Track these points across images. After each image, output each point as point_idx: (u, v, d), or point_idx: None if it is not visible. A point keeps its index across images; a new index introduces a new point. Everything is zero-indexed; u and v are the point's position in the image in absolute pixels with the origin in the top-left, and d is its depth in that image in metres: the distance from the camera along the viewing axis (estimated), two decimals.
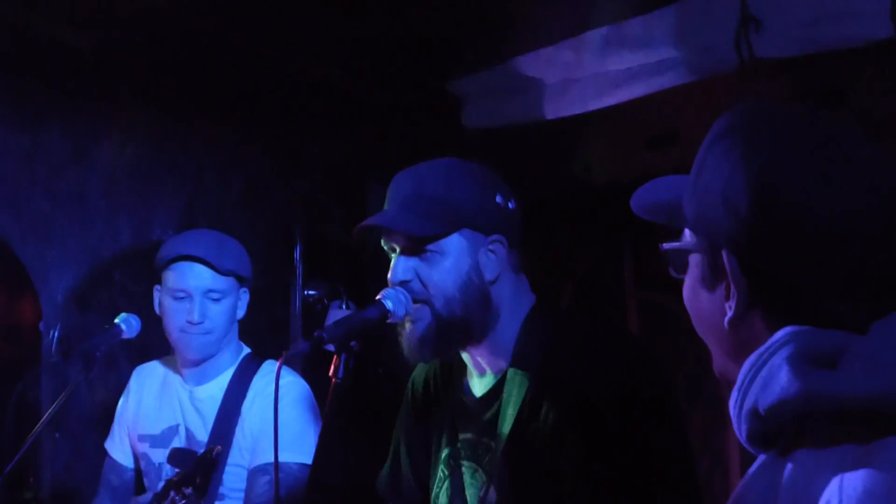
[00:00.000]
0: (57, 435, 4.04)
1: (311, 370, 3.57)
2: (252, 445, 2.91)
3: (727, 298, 1.28)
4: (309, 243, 4.49)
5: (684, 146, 3.74)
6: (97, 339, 2.95)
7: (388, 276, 2.14)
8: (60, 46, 3.70)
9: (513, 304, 2.16)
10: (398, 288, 2.10)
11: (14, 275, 4.21)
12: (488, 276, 2.12)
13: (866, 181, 1.20)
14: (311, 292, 4.43)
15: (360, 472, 2.75)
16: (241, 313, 3.06)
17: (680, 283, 1.42)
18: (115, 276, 4.23)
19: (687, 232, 1.38)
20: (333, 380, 1.98)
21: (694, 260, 1.36)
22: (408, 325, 2.12)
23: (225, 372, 3.03)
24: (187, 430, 2.99)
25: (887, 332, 1.14)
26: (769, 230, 1.21)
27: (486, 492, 2.09)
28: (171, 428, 3.03)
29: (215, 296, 2.95)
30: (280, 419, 2.79)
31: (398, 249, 2.15)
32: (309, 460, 2.83)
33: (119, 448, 3.14)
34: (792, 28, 3.18)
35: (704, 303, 1.34)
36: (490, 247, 2.13)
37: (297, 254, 4.51)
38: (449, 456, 2.23)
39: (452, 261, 2.10)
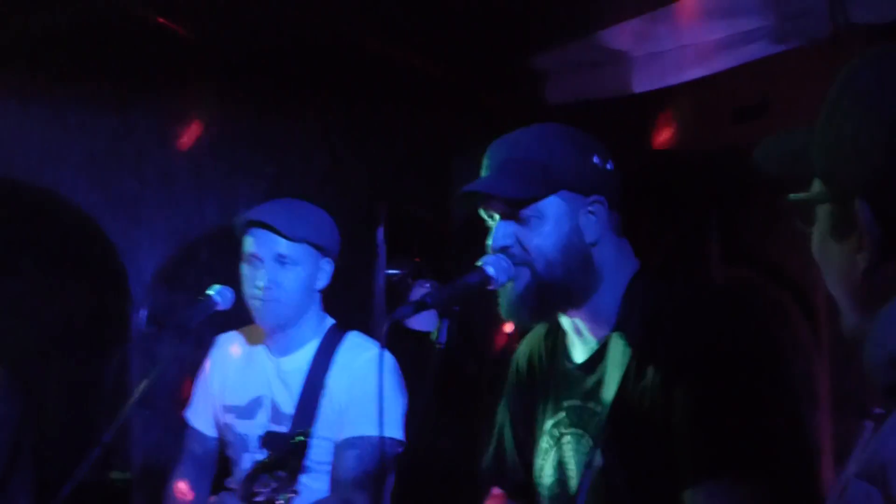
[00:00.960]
0: (146, 412, 4.09)
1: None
2: (338, 418, 2.89)
3: (860, 249, 1.25)
4: (392, 222, 4.48)
5: (774, 118, 3.66)
6: (191, 311, 2.95)
7: (488, 242, 2.11)
8: (149, 29, 3.73)
9: (616, 267, 2.12)
10: (499, 255, 2.08)
11: (102, 254, 4.27)
12: (589, 238, 2.08)
13: None
14: (393, 271, 4.42)
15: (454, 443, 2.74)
16: (321, 284, 3.01)
17: (768, 259, 1.39)
18: (202, 255, 4.28)
19: (816, 182, 1.34)
20: (437, 345, 1.97)
21: (822, 211, 1.33)
22: (507, 288, 2.09)
23: (310, 343, 3.00)
24: (273, 402, 2.98)
25: None
26: None
27: (593, 457, 2.06)
28: (256, 399, 3.02)
29: (285, 261, 2.92)
30: (368, 392, 2.81)
31: (497, 216, 2.12)
32: (397, 434, 2.82)
33: (201, 418, 3.14)
34: None
35: (835, 255, 1.31)
36: (590, 208, 2.09)
37: (380, 233, 4.50)
38: (554, 425, 2.20)
39: (552, 224, 2.07)
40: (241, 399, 3.04)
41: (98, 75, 4.02)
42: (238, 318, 3.14)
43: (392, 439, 2.81)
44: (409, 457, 2.09)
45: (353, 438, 2.83)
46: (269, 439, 2.88)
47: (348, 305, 3.40)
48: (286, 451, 2.64)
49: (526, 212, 2.06)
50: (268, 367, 3.03)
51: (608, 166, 2.13)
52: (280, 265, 2.91)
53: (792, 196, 1.38)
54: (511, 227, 2.08)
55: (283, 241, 2.91)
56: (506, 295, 2.10)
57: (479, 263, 2.08)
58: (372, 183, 4.56)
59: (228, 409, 3.05)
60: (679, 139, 3.95)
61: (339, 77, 4.24)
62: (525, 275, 2.07)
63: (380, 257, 4.49)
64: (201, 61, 4.07)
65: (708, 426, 1.89)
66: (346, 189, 4.49)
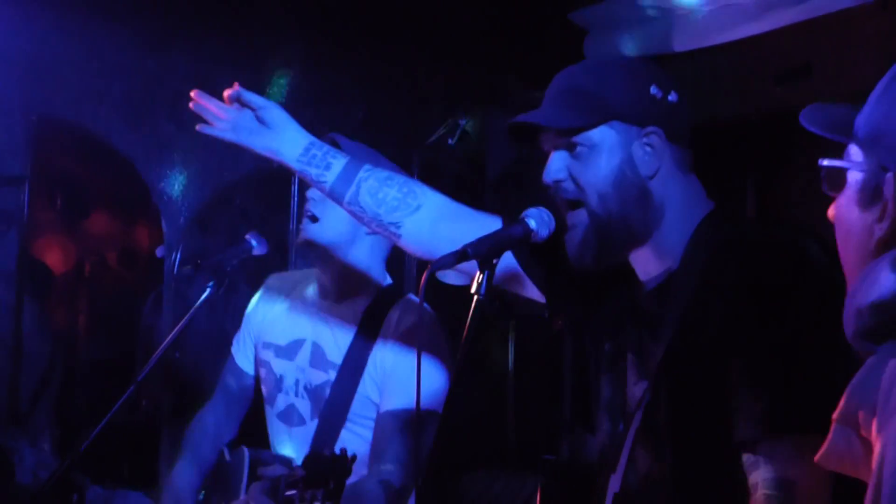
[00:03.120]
0: (177, 354, 4.12)
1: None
2: (382, 382, 2.86)
3: (880, 220, 1.32)
4: (425, 172, 4.47)
5: (818, 81, 3.63)
6: (228, 253, 2.95)
7: (543, 176, 2.07)
8: None
9: (682, 203, 2.05)
10: (542, 208, 2.06)
11: (135, 198, 4.29)
12: (644, 171, 2.02)
13: None
14: None
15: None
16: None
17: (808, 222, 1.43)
18: (236, 199, 4.28)
19: (851, 151, 1.39)
20: (476, 296, 1.95)
21: (853, 178, 1.38)
22: (568, 233, 2.06)
23: (362, 296, 2.96)
24: (316, 345, 2.94)
25: None
26: None
27: (638, 383, 2.06)
28: (298, 341, 2.98)
29: None
30: (413, 362, 2.73)
31: (551, 153, 2.08)
32: (439, 409, 2.77)
33: (243, 352, 3.12)
34: None
35: (856, 221, 1.37)
36: (645, 139, 2.02)
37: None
38: (612, 349, 2.17)
39: (603, 155, 2.02)
40: (282, 338, 3.00)
41: (136, 16, 4.02)
42: (272, 266, 3.15)
43: (432, 412, 2.76)
44: (447, 413, 2.07)
45: (396, 411, 2.80)
46: (312, 458, 2.82)
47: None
48: (325, 469, 2.59)
49: (577, 141, 2.02)
50: (315, 311, 2.99)
51: (670, 97, 2.04)
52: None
53: (824, 161, 1.42)
54: (565, 159, 2.04)
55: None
56: (568, 244, 2.08)
57: (521, 216, 2.07)
58: (406, 133, 4.54)
59: (268, 345, 3.01)
60: (721, 100, 3.91)
61: (376, 29, 4.22)
62: (583, 219, 2.03)
63: None
64: (239, 7, 4.06)
65: (772, 381, 1.87)
66: (381, 138, 4.48)
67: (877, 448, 1.21)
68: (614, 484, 2.01)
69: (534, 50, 4.33)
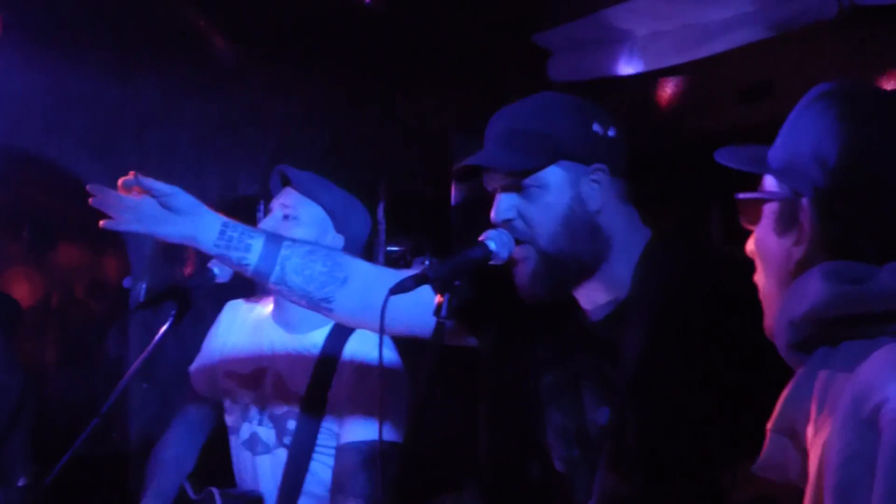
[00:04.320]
0: (144, 385, 4.10)
1: None
2: (343, 411, 2.86)
3: (797, 243, 1.41)
4: (392, 199, 4.48)
5: (778, 99, 3.67)
6: (191, 282, 2.94)
7: (492, 215, 2.09)
8: (152, 3, 3.72)
9: (626, 234, 2.09)
10: (501, 229, 2.07)
11: (100, 230, 4.28)
12: (592, 206, 2.06)
13: None
14: (393, 248, 4.43)
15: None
16: None
17: None
18: None
19: (766, 182, 1.49)
20: (437, 318, 1.95)
21: (769, 209, 1.47)
22: (517, 266, 2.08)
23: (321, 328, 2.97)
24: (277, 374, 2.94)
25: None
26: (852, 182, 1.35)
27: (599, 410, 2.07)
28: (260, 370, 2.98)
29: (288, 212, 2.90)
30: (372, 395, 2.78)
31: (498, 193, 2.10)
32: (399, 439, 2.78)
33: (202, 380, 3.12)
34: None
35: (774, 248, 1.46)
36: (592, 177, 2.06)
37: (380, 210, 4.50)
38: (558, 378, 2.18)
39: (553, 194, 2.05)
40: (245, 367, 3.00)
41: (99, 48, 4.02)
42: (237, 292, 3.13)
43: (393, 443, 2.77)
44: (411, 436, 2.07)
45: (358, 443, 2.80)
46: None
47: None
48: None
49: (527, 183, 2.04)
50: (275, 340, 2.99)
51: (610, 133, 2.08)
52: (283, 217, 2.89)
53: (740, 195, 1.52)
54: (513, 199, 2.06)
55: (293, 193, 2.91)
56: (518, 278, 2.09)
57: (481, 238, 2.07)
58: (372, 159, 4.55)
59: (231, 374, 3.02)
60: (683, 119, 3.94)
61: (341, 55, 4.23)
62: (532, 255, 2.05)
63: (380, 234, 4.49)
64: (203, 35, 4.07)
65: (746, 406, 1.89)
66: (347, 164, 4.49)
67: (812, 454, 1.26)
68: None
69: (499, 72, 4.36)
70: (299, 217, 2.86)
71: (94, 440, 2.92)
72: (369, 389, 2.79)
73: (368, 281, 2.30)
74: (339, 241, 2.90)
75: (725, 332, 1.91)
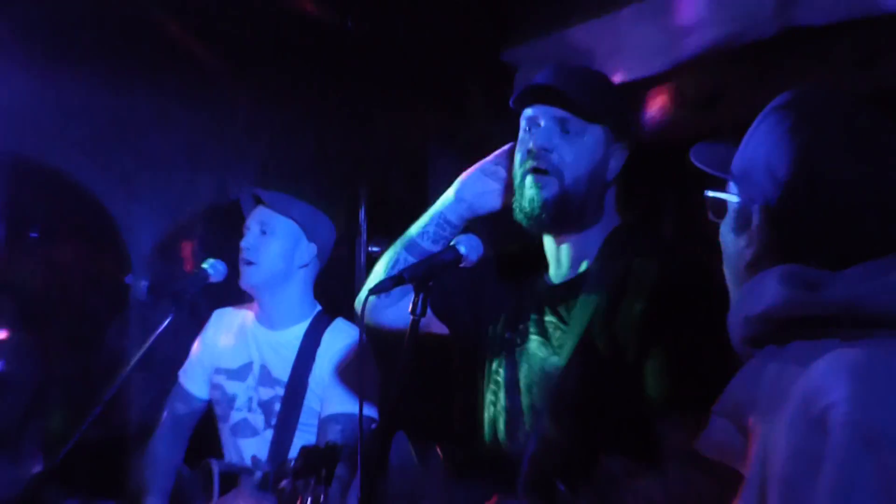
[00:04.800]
0: (143, 375, 4.10)
1: None
2: (322, 394, 2.96)
3: (748, 245, 1.42)
4: (373, 203, 4.51)
5: (725, 109, 3.70)
6: (186, 282, 3.00)
7: (531, 144, 2.18)
8: (146, 19, 3.73)
9: (609, 215, 2.24)
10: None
11: (101, 230, 4.29)
12: (609, 176, 2.21)
13: (873, 168, 1.35)
14: (374, 248, 4.46)
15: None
16: (300, 261, 3.08)
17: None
18: (196, 230, 4.30)
19: (731, 184, 1.50)
20: (413, 316, 2.01)
21: (731, 207, 1.48)
22: (532, 191, 2.17)
23: (300, 324, 3.07)
24: (262, 366, 3.04)
25: (862, 269, 1.29)
26: (799, 194, 1.35)
27: (545, 361, 2.14)
28: (247, 364, 3.08)
29: (265, 227, 3.00)
30: (348, 374, 2.90)
31: (543, 122, 2.19)
32: (372, 412, 2.91)
33: (193, 379, 3.19)
34: None
35: (731, 245, 1.48)
36: (617, 149, 2.21)
37: (362, 213, 4.53)
38: (517, 328, 2.26)
39: (590, 146, 2.17)
40: (232, 363, 3.10)
41: (99, 60, 4.02)
42: (231, 289, 3.19)
43: (368, 416, 2.88)
44: (389, 420, 2.13)
45: (336, 415, 2.90)
46: (305, 453, 2.87)
47: (331, 281, 3.45)
48: (317, 459, 2.64)
49: (573, 128, 2.16)
50: (259, 337, 3.09)
51: (632, 128, 2.27)
52: (260, 232, 3.01)
53: (708, 192, 1.54)
54: (556, 134, 2.16)
55: (266, 210, 3.01)
56: (531, 201, 2.18)
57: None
58: (355, 167, 4.58)
59: (220, 371, 3.11)
60: (640, 126, 3.97)
61: (326, 69, 4.25)
62: (554, 185, 2.16)
63: (362, 235, 4.53)
64: (195, 50, 4.08)
65: (681, 367, 1.98)
66: (331, 172, 4.51)
67: (755, 441, 1.27)
68: (531, 446, 2.09)
69: (469, 87, 4.38)
70: (275, 231, 3.00)
71: (98, 426, 2.97)
72: (344, 371, 2.94)
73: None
74: (312, 248, 3.03)
75: (664, 309, 2.01)
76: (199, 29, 3.90)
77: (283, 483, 2.55)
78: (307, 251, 3.06)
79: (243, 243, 2.99)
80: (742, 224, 1.44)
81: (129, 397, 4.15)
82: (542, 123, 2.19)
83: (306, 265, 3.06)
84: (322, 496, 2.51)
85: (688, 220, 4.34)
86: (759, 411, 1.29)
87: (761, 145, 1.41)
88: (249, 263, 2.99)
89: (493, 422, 2.26)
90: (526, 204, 2.19)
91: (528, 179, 2.18)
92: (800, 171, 1.36)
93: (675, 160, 4.07)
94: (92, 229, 4.35)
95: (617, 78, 3.84)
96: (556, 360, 2.12)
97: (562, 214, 2.17)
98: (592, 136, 2.18)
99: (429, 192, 4.48)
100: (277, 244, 3.01)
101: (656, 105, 3.92)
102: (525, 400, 2.19)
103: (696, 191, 4.55)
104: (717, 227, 1.54)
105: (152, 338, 2.92)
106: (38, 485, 2.91)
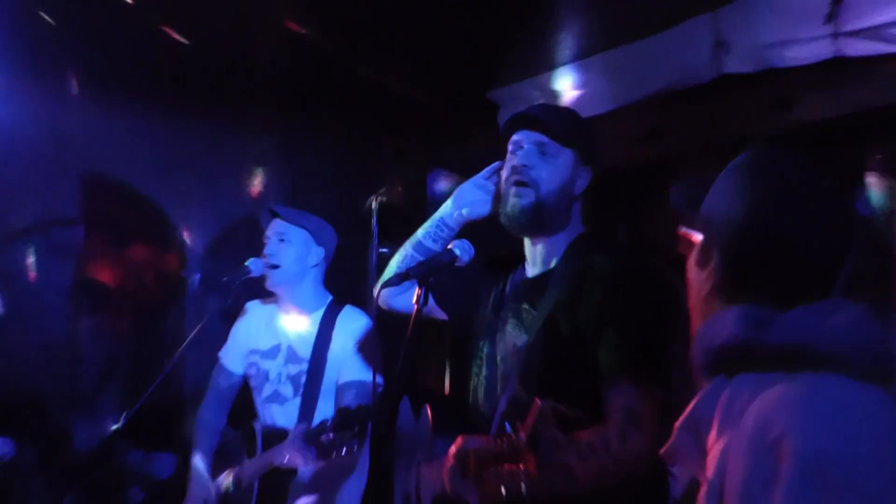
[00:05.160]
0: (197, 350, 4.09)
1: None
2: (338, 365, 2.95)
3: (706, 280, 1.38)
4: (382, 214, 4.50)
5: (668, 142, 3.71)
6: (233, 276, 3.02)
7: (515, 162, 2.19)
8: (201, 67, 3.71)
9: (574, 224, 2.23)
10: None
11: (164, 233, 4.28)
12: (576, 191, 2.21)
13: (817, 220, 1.31)
14: (383, 250, 4.45)
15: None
16: (312, 262, 3.09)
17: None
18: (240, 235, 4.28)
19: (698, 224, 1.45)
20: (416, 306, 2.01)
21: (697, 245, 1.43)
22: (514, 199, 2.18)
23: (316, 311, 3.07)
24: (289, 347, 3.04)
25: (803, 312, 1.25)
26: (749, 240, 1.32)
27: (524, 342, 2.14)
28: (277, 346, 3.09)
29: (282, 237, 3.02)
30: (359, 349, 2.91)
31: (526, 145, 2.20)
32: (380, 380, 2.90)
33: (231, 359, 3.20)
34: (753, 50, 3.13)
35: (695, 277, 1.42)
36: (582, 171, 2.21)
37: (374, 221, 4.52)
38: (498, 313, 2.28)
39: (562, 166, 2.18)
40: (264, 345, 3.10)
41: (163, 95, 4.02)
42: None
43: (377, 382, 2.87)
44: (397, 388, 2.12)
45: (350, 382, 2.90)
46: (341, 412, 2.86)
47: (348, 277, 3.44)
48: (353, 417, 2.64)
49: (550, 149, 2.16)
50: (285, 324, 3.09)
51: (599, 159, 2.27)
52: (279, 240, 3.01)
53: (681, 229, 1.49)
54: (535, 155, 2.17)
55: (283, 223, 3.03)
56: (512, 208, 2.18)
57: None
58: (368, 184, 4.57)
59: (254, 352, 3.11)
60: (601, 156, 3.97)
61: (345, 106, 4.24)
62: (530, 195, 2.16)
63: (374, 239, 4.52)
64: (242, 90, 4.07)
65: (625, 343, 1.98)
66: (348, 189, 4.51)
67: (711, 455, 1.24)
68: (502, 405, 2.09)
69: (461, 121, 4.38)
70: (291, 239, 3.03)
71: (159, 392, 2.96)
72: (356, 347, 2.96)
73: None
74: (320, 251, 3.05)
75: (614, 299, 2.02)
76: (244, 73, 3.89)
77: (323, 437, 2.55)
78: (316, 254, 3.07)
79: (266, 250, 3.01)
80: (703, 260, 1.39)
81: (185, 369, 4.14)
82: (525, 146, 2.20)
83: (317, 265, 3.06)
84: (355, 447, 2.52)
85: (633, 230, 4.34)
86: (716, 430, 1.25)
87: (723, 196, 1.36)
88: (274, 267, 3.00)
89: (475, 389, 2.26)
90: (509, 209, 2.19)
91: (512, 190, 2.19)
92: (750, 218, 1.32)
93: (627, 183, 4.11)
94: (156, 233, 4.33)
95: (583, 114, 3.83)
96: (525, 339, 2.12)
97: (537, 219, 2.17)
98: (564, 158, 2.17)
99: (427, 205, 4.47)
100: (293, 249, 3.02)
101: (612, 137, 3.91)
102: (499, 371, 2.19)
103: (642, 208, 4.53)
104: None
105: (203, 321, 2.94)
106: (112, 439, 2.89)
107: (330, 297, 3.14)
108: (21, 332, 3.76)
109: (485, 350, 2.27)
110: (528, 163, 2.16)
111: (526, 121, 2.20)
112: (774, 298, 1.28)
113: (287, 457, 2.69)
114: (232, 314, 3.39)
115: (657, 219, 4.02)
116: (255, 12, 3.27)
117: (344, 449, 2.52)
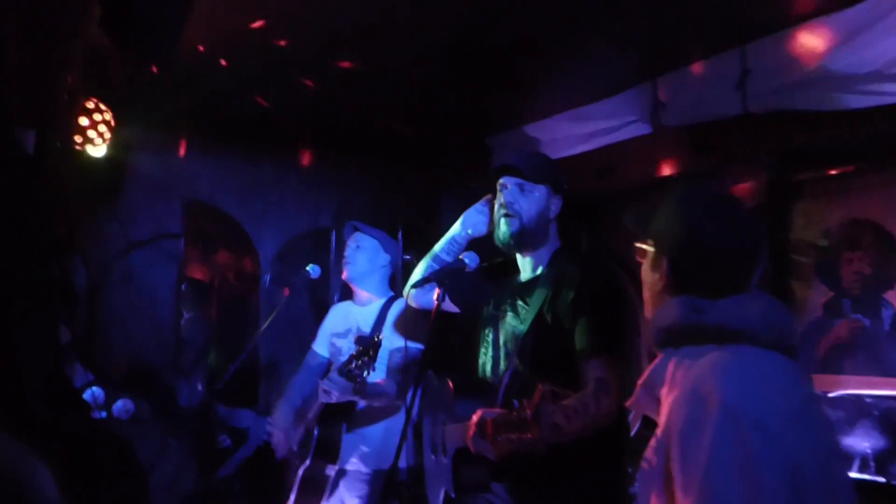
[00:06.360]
0: (269, 336, 4.08)
1: None
2: (391, 336, 2.90)
3: (659, 280, 1.39)
4: (406, 230, 4.49)
5: (618, 176, 3.71)
6: (297, 277, 3.01)
7: (503, 199, 2.16)
8: (274, 121, 3.71)
9: (553, 240, 2.20)
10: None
11: (243, 243, 4.28)
12: (551, 215, 2.18)
13: (734, 236, 1.33)
14: (407, 257, 4.43)
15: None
16: (379, 264, 3.03)
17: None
18: (301, 245, 4.28)
19: (649, 239, 1.46)
20: (436, 302, 2.00)
21: (651, 254, 1.44)
22: (504, 227, 2.15)
23: (378, 302, 3.01)
24: (359, 328, 3.00)
25: (729, 301, 1.28)
26: (687, 252, 1.34)
27: (522, 331, 2.11)
28: (348, 329, 3.04)
29: (358, 245, 2.99)
30: (403, 329, 2.85)
31: (510, 186, 2.17)
32: (420, 346, 2.84)
33: (319, 343, 3.14)
34: (684, 108, 3.13)
35: (649, 278, 1.42)
36: (555, 199, 2.18)
37: (399, 235, 4.51)
38: (500, 308, 2.24)
39: (538, 198, 2.15)
40: (340, 328, 3.06)
41: (242, 144, 4.03)
42: (321, 283, 3.16)
43: (417, 348, 2.83)
44: (422, 364, 2.12)
45: (399, 347, 2.84)
46: (359, 340, 2.85)
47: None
48: (368, 345, 2.62)
49: (528, 188, 2.14)
50: (355, 312, 3.05)
51: (565, 187, 2.22)
52: (356, 247, 2.98)
53: (637, 243, 1.49)
54: (517, 193, 2.15)
55: (361, 235, 2.99)
56: (503, 233, 2.16)
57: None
58: (395, 209, 4.56)
59: (334, 334, 3.07)
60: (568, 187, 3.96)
61: (376, 150, 4.24)
62: (516, 223, 2.13)
63: (399, 248, 4.50)
64: (299, 136, 4.08)
65: (594, 330, 1.97)
66: (380, 212, 4.50)
67: (664, 405, 1.26)
68: (505, 380, 2.08)
69: (464, 161, 4.37)
70: (365, 247, 2.97)
71: (242, 364, 2.96)
72: (402, 325, 2.88)
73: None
74: (386, 257, 3.00)
75: (590, 286, 2.01)
76: (297, 124, 3.88)
77: (347, 367, 2.53)
78: (383, 259, 3.03)
79: (345, 254, 2.99)
80: (656, 266, 1.40)
81: (259, 349, 4.13)
82: (510, 187, 2.17)
83: (383, 266, 3.02)
84: (367, 371, 2.48)
85: (593, 241, 4.34)
86: (667, 387, 1.27)
87: (669, 220, 1.39)
88: (348, 264, 2.97)
89: (483, 365, 2.24)
90: (500, 235, 2.18)
91: (502, 220, 2.17)
92: (688, 236, 1.34)
93: (588, 207, 4.10)
94: (239, 244, 4.33)
95: (554, 156, 3.83)
96: (522, 328, 2.10)
97: (522, 240, 2.16)
98: (539, 192, 2.15)
99: (441, 224, 4.47)
100: (365, 255, 2.98)
101: (576, 172, 3.91)
102: (502, 352, 2.17)
103: (599, 225, 4.50)
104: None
105: (275, 312, 2.92)
106: (210, 398, 2.88)
107: (391, 293, 3.10)
108: (138, 319, 3.76)
109: (490, 336, 2.25)
110: (512, 199, 2.14)
111: (508, 168, 2.18)
112: (707, 292, 1.30)
113: (324, 389, 2.63)
114: (300, 304, 3.35)
115: (610, 233, 4.04)
116: (307, 75, 3.24)
117: (365, 372, 2.49)
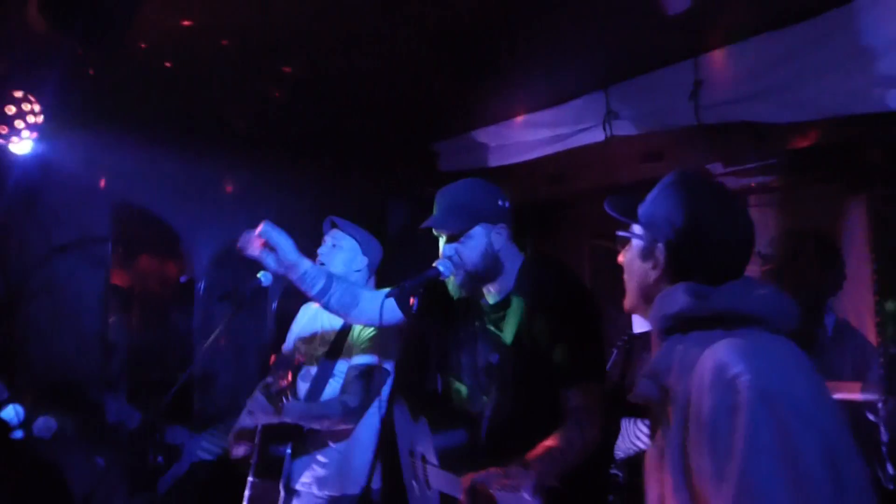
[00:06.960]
0: (218, 350, 3.90)
1: None
2: (349, 353, 2.75)
3: (653, 268, 1.37)
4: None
5: (569, 183, 3.74)
6: (244, 287, 2.82)
7: (441, 252, 2.09)
8: (215, 116, 3.58)
9: (512, 261, 2.10)
10: (445, 259, 2.07)
11: (173, 247, 4.11)
12: (496, 248, 2.06)
13: (732, 222, 1.34)
14: None
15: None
16: (355, 268, 2.85)
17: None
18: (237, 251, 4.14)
19: (634, 227, 1.43)
20: (411, 310, 1.94)
21: (636, 243, 1.42)
22: (453, 280, 2.08)
23: None
24: (324, 335, 2.84)
25: (732, 286, 1.29)
26: (688, 238, 1.34)
27: (494, 360, 2.06)
28: (314, 332, 2.88)
29: (335, 243, 2.82)
30: (368, 343, 2.72)
31: (441, 241, 2.10)
32: (390, 366, 2.73)
33: (288, 345, 2.97)
34: (635, 118, 3.18)
35: (638, 268, 1.40)
36: (497, 231, 2.07)
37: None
38: (470, 332, 2.17)
39: (475, 242, 2.05)
40: (307, 332, 2.89)
41: (178, 141, 3.86)
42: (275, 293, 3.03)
43: (387, 368, 2.70)
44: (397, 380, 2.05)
45: (357, 364, 2.69)
46: (277, 359, 2.74)
47: None
48: (287, 366, 2.50)
49: (461, 237, 2.04)
50: (322, 318, 2.89)
51: (506, 205, 2.10)
52: (332, 246, 2.82)
53: (619, 232, 1.46)
54: (453, 244, 2.06)
55: (338, 232, 2.83)
56: (452, 284, 2.08)
57: (434, 264, 2.07)
58: (336, 213, 4.45)
59: (300, 338, 2.90)
60: (520, 192, 3.97)
61: (319, 151, 4.15)
62: (462, 273, 2.06)
63: (379, 251, 4.40)
64: (239, 136, 3.95)
65: (570, 357, 1.92)
66: (321, 216, 4.37)
67: (674, 394, 1.24)
68: (487, 411, 2.03)
69: (411, 164, 4.33)
70: (342, 246, 2.80)
71: (174, 378, 2.80)
72: (366, 338, 2.74)
73: (367, 301, 2.26)
74: (365, 260, 2.86)
75: (565, 311, 1.95)
76: (241, 122, 3.76)
77: (267, 388, 2.44)
78: (360, 261, 2.86)
79: (319, 251, 2.80)
80: (647, 254, 1.38)
81: (204, 365, 3.95)
82: (441, 242, 2.10)
83: (359, 270, 2.86)
84: (286, 395, 2.39)
85: (538, 246, 4.37)
86: (674, 376, 1.25)
87: (661, 205, 1.37)
88: (322, 265, 2.79)
89: (458, 392, 2.17)
90: (451, 288, 2.11)
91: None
92: (689, 224, 1.33)
93: (537, 212, 4.10)
94: (169, 247, 4.15)
95: (503, 162, 3.83)
96: (496, 356, 2.06)
97: (474, 283, 2.08)
98: (475, 234, 2.05)
99: (387, 228, 4.40)
100: (341, 256, 2.81)
101: (526, 179, 3.93)
102: (479, 379, 2.12)
103: (547, 230, 4.51)
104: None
105: (221, 326, 2.71)
106: (153, 418, 2.70)
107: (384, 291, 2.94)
108: (62, 329, 3.53)
109: (462, 361, 2.19)
110: (448, 253, 2.06)
111: (436, 228, 2.10)
112: (708, 278, 1.30)
113: (248, 409, 2.49)
114: (249, 314, 3.20)
115: (558, 238, 4.07)
116: (251, 78, 3.14)
117: (278, 389, 2.40)
